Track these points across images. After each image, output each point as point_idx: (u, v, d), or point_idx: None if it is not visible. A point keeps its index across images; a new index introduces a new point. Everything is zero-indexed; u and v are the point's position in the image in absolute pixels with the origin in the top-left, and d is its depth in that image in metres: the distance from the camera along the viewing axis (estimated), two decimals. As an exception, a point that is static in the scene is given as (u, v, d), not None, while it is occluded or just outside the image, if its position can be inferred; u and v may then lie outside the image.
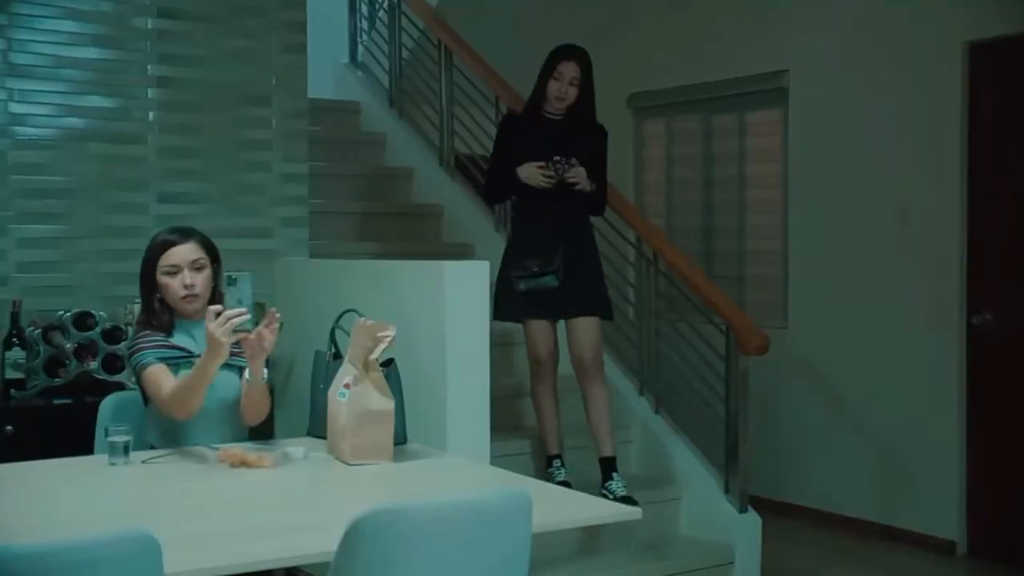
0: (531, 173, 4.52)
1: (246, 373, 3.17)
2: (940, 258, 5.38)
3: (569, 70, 4.52)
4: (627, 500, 4.42)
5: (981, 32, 5.23)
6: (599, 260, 4.72)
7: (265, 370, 3.18)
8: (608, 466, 4.58)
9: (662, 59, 6.53)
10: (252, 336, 3.07)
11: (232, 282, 3.12)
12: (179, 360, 3.26)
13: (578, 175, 4.48)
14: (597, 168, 4.62)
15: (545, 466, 4.69)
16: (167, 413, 3.20)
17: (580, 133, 4.60)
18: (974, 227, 5.31)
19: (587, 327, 4.59)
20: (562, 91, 4.53)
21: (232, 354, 3.12)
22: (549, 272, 4.48)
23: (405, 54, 6.73)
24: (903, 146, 5.52)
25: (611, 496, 4.47)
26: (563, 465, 4.66)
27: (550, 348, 4.62)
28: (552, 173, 4.47)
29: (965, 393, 5.34)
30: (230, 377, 3.25)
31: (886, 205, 5.58)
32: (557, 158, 4.46)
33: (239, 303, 3.08)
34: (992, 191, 5.27)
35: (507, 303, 4.61)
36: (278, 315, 3.13)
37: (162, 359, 3.23)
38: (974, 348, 5.32)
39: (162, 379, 3.20)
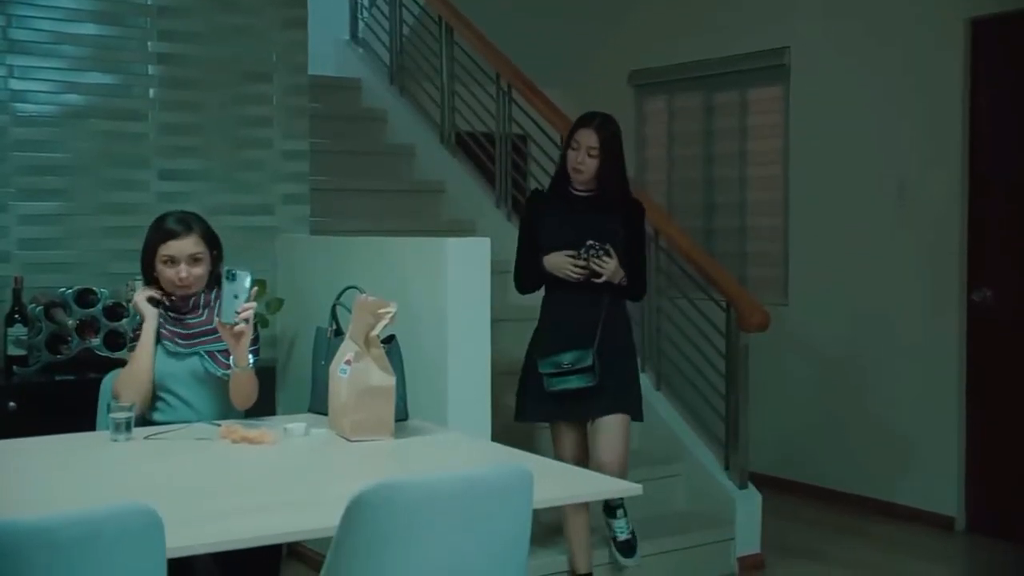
0: (559, 263, 3.96)
1: (231, 359, 3.23)
2: (940, 235, 5.38)
3: (586, 138, 3.95)
4: (627, 544, 4.27)
5: (982, 9, 5.21)
6: (635, 355, 4.28)
7: (251, 356, 3.22)
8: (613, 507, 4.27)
9: (663, 36, 6.51)
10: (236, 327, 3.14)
11: (231, 278, 3.12)
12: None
13: (606, 266, 3.90)
14: (633, 248, 4.06)
15: None
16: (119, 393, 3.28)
17: (610, 209, 4.02)
18: (974, 204, 5.31)
19: (613, 427, 4.03)
20: (578, 160, 3.96)
21: (198, 337, 3.28)
22: (583, 371, 3.93)
23: (406, 31, 6.71)
24: (904, 122, 5.51)
25: (613, 536, 4.29)
26: None
27: (576, 453, 4.06)
28: (583, 263, 3.92)
29: (964, 370, 5.34)
30: (191, 360, 3.33)
31: (886, 181, 5.57)
32: (590, 243, 3.91)
33: (235, 298, 3.12)
34: (992, 168, 5.26)
35: (533, 401, 4.07)
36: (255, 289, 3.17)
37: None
38: (974, 325, 5.32)
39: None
